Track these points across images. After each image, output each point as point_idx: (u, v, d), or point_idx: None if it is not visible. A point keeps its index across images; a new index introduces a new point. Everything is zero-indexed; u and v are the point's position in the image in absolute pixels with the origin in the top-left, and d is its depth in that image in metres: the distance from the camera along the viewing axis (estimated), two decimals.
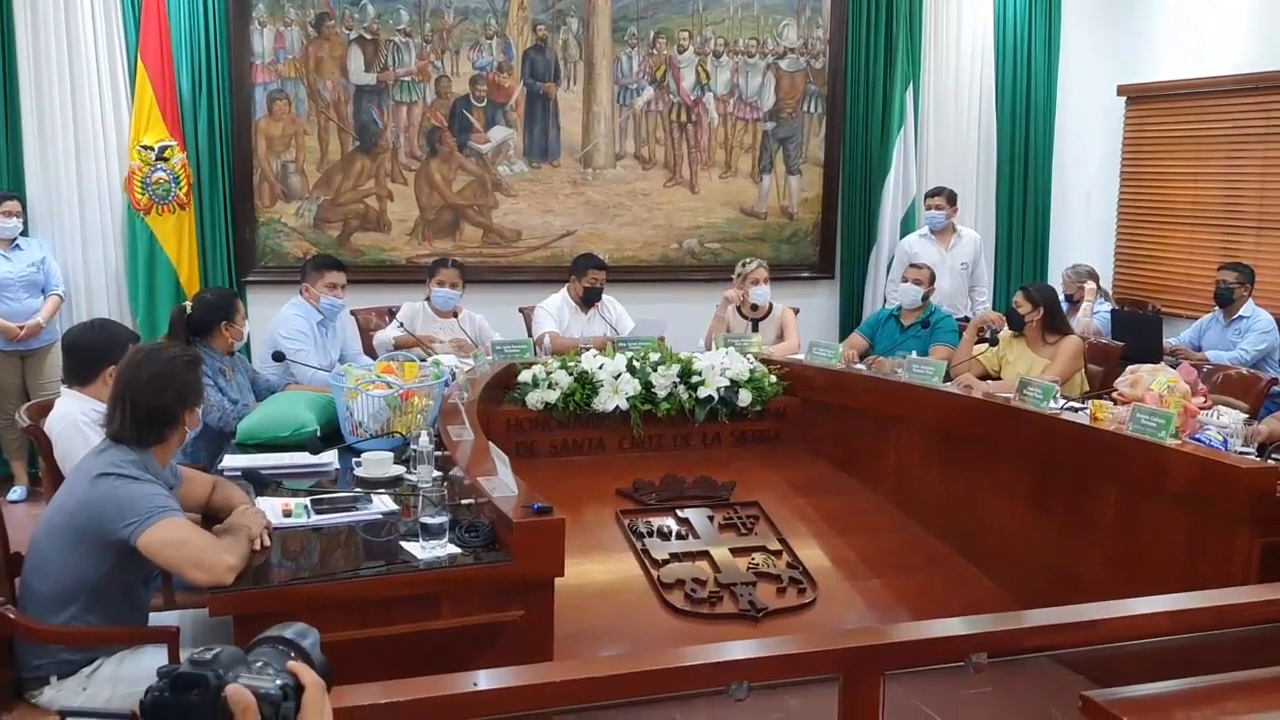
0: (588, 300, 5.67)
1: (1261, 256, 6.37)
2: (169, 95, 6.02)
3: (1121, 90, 7.31)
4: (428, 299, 5.62)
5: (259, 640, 1.17)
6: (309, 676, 1.14)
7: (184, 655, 1.08)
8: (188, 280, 6.07)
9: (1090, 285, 6.58)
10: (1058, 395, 4.28)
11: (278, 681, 1.11)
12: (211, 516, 3.10)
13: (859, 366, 5.27)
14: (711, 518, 4.36)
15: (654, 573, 3.99)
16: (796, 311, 6.20)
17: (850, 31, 7.22)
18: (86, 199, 6.03)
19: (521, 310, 6.15)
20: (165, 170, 6.01)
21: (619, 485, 4.52)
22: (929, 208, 6.65)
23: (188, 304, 4.42)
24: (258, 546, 2.83)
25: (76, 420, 3.37)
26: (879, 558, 4.30)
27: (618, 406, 4.71)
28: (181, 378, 2.87)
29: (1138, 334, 5.91)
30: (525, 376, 4.73)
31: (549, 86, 6.80)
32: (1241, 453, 3.72)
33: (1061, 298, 6.51)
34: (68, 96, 5.94)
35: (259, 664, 1.12)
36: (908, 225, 7.18)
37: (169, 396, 2.82)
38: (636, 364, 4.82)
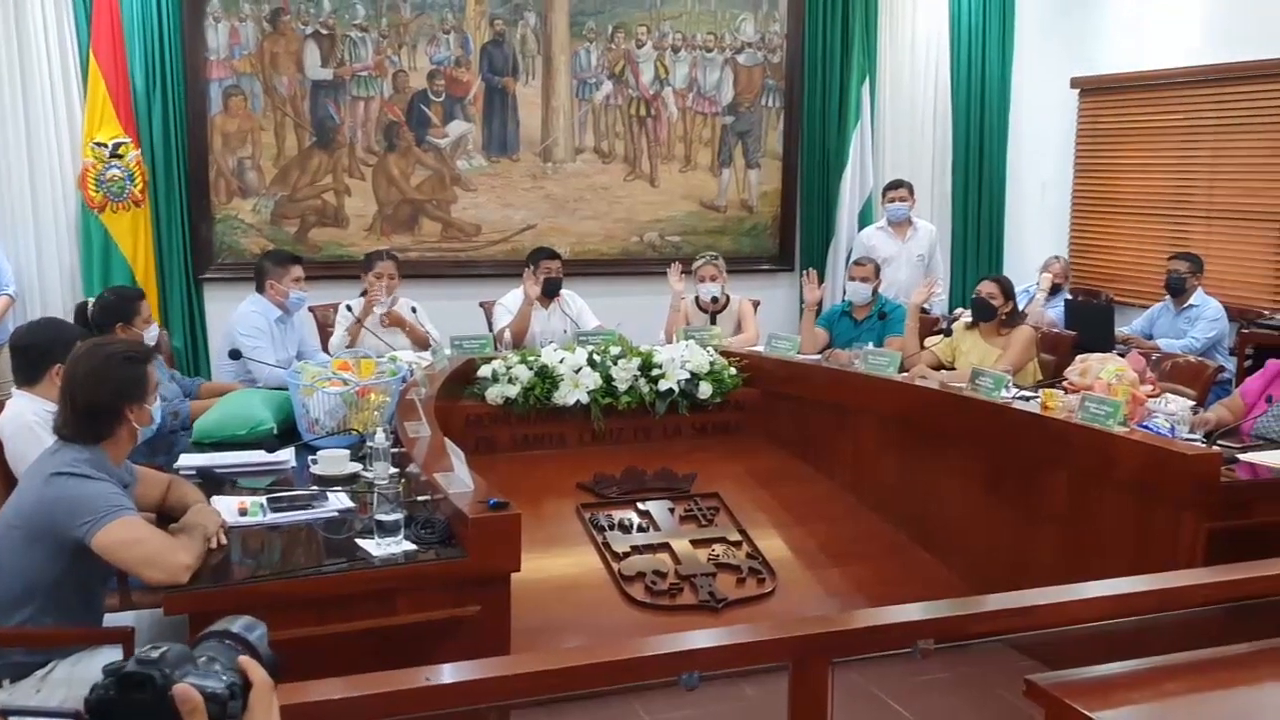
0: (547, 292, 5.67)
1: (1211, 246, 6.48)
2: (122, 91, 5.96)
3: (1075, 82, 7.39)
4: (364, 293, 5.58)
5: (206, 634, 1.16)
6: (257, 674, 1.14)
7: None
8: (144, 278, 6.02)
9: (1046, 275, 6.69)
10: (1009, 384, 4.34)
11: (225, 679, 1.10)
12: (167, 515, 3.09)
13: (815, 357, 5.32)
14: (672, 509, 4.38)
15: (614, 566, 4.01)
16: (756, 304, 6.24)
17: (807, 26, 7.27)
18: (39, 197, 5.97)
19: (482, 305, 6.15)
20: (119, 167, 5.96)
21: (580, 479, 4.54)
22: (891, 200, 6.69)
23: (89, 300, 4.36)
24: (214, 545, 2.82)
25: (28, 421, 3.34)
26: (837, 546, 4.35)
27: (578, 400, 4.72)
28: (120, 372, 2.82)
29: (1090, 323, 5.99)
30: (485, 371, 4.74)
31: (507, 81, 6.80)
32: (1188, 439, 3.79)
33: (1048, 287, 6.60)
34: (18, 93, 5.87)
35: (204, 659, 1.12)
36: (865, 218, 7.24)
37: (106, 391, 2.79)
38: (597, 358, 4.84)
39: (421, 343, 5.48)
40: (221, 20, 6.30)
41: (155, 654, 1.08)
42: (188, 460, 3.66)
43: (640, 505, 4.38)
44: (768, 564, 4.12)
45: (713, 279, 5.87)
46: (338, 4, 6.45)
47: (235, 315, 5.06)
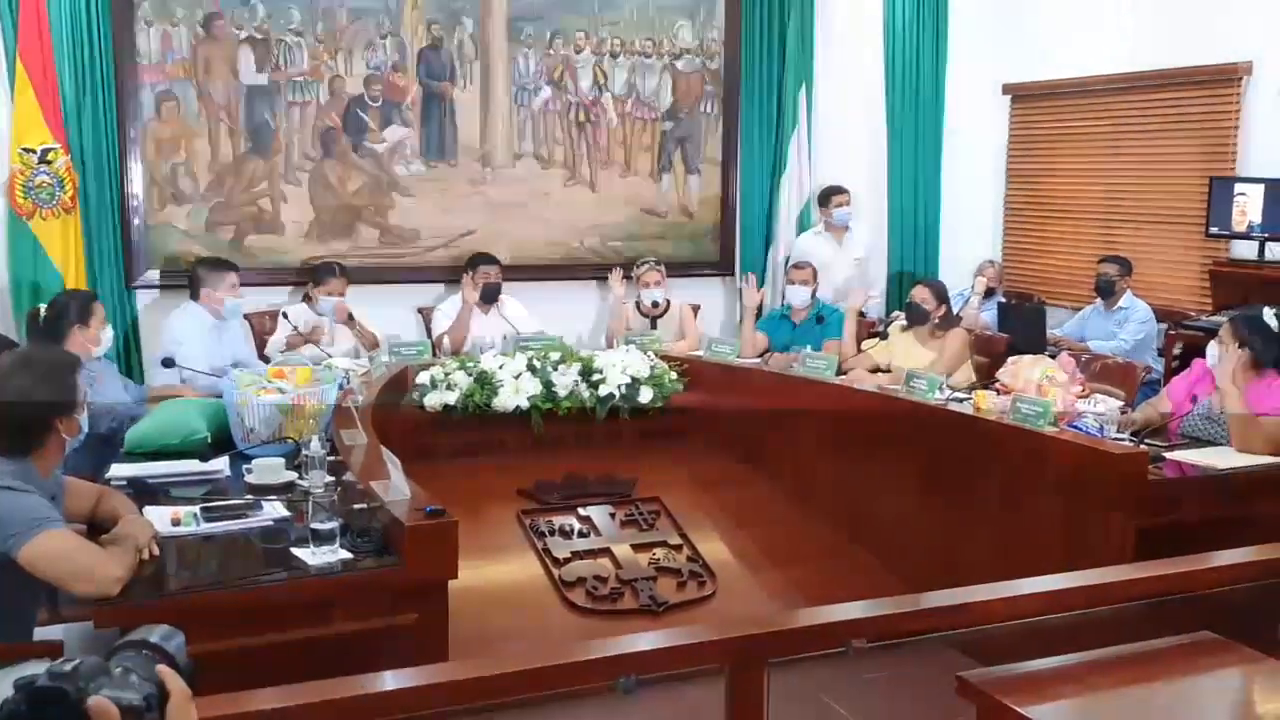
0: (486, 298, 5.65)
1: (1139, 249, 6.61)
2: (51, 96, 5.83)
3: (1007, 89, 7.52)
4: (306, 298, 5.54)
5: (122, 644, 1.14)
6: (174, 684, 1.12)
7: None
8: (74, 285, 5.88)
9: (981, 279, 6.79)
10: (944, 386, 4.41)
11: (141, 691, 1.08)
12: (98, 527, 3.04)
13: (754, 361, 5.37)
14: (613, 515, 4.40)
15: (555, 572, 4.02)
16: (697, 309, 6.27)
17: (744, 33, 7.31)
18: None
19: (420, 311, 6.11)
20: (48, 173, 5.83)
21: (520, 485, 4.54)
22: (839, 205, 6.74)
23: (42, 307, 4.31)
24: (145, 556, 2.78)
25: None
26: (777, 549, 4.39)
27: (518, 406, 4.71)
28: (49, 384, 2.78)
29: (1023, 326, 6.09)
30: (423, 378, 4.72)
31: (445, 86, 6.76)
32: (1117, 439, 3.87)
33: (982, 290, 6.71)
34: None
35: (120, 670, 1.09)
36: (804, 223, 7.29)
37: (35, 403, 2.75)
38: (537, 363, 4.83)
39: (370, 343, 5.42)
40: (153, 25, 6.20)
41: (68, 667, 1.05)
42: (119, 470, 3.60)
43: (581, 510, 4.39)
44: (708, 567, 4.15)
45: (656, 284, 5.90)
46: (272, 9, 6.38)
47: (169, 323, 5.00)
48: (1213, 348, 4.16)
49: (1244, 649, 2.40)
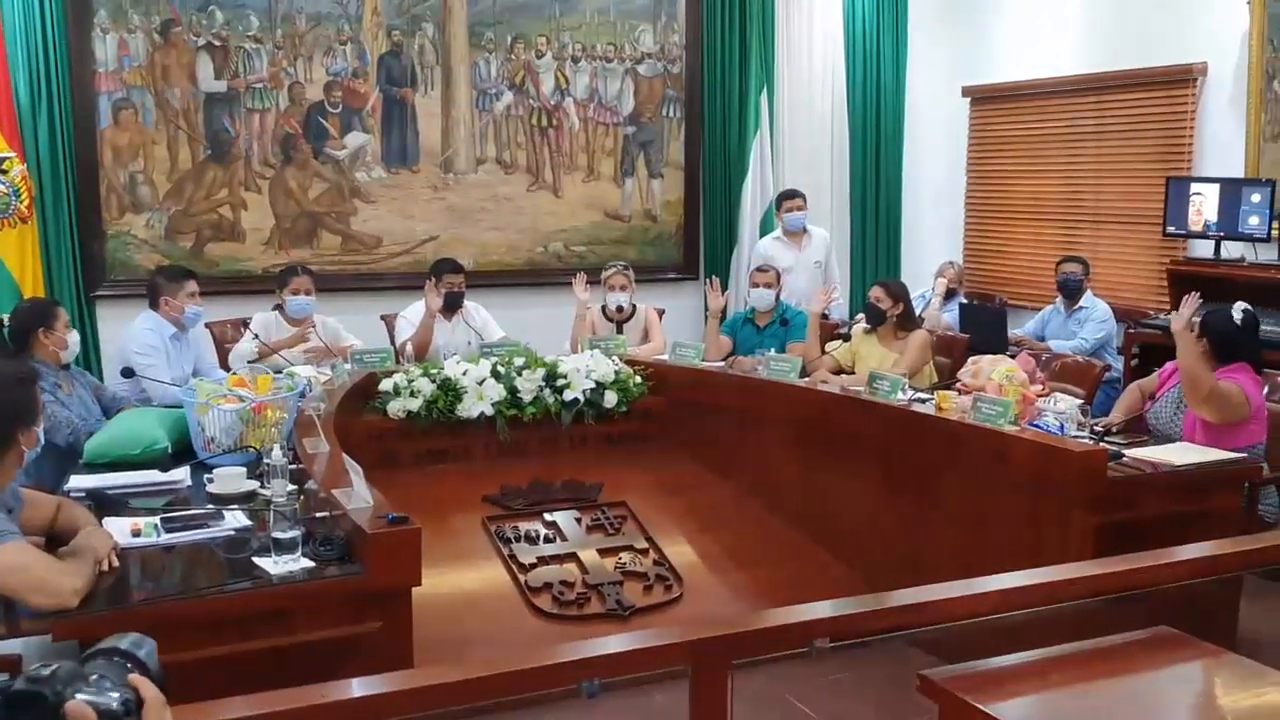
0: (449, 306, 5.63)
1: (1098, 249, 6.69)
2: (5, 105, 5.77)
3: (966, 91, 7.58)
4: (277, 307, 5.51)
5: (94, 652, 1.14)
6: (149, 690, 1.12)
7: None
8: (32, 296, 5.83)
9: (941, 280, 6.85)
10: (906, 387, 4.43)
11: (118, 695, 1.08)
12: (57, 539, 3.00)
13: (719, 364, 5.39)
14: (579, 519, 4.39)
15: (521, 577, 4.01)
16: (662, 313, 6.28)
17: (705, 37, 7.35)
18: None
19: (383, 318, 6.08)
20: (4, 183, 5.75)
21: (485, 492, 4.52)
22: (791, 210, 6.76)
23: (4, 317, 4.27)
24: (105, 568, 2.75)
25: None
26: (743, 551, 4.40)
27: (482, 413, 4.70)
28: (10, 395, 2.75)
29: (984, 326, 6.16)
30: (386, 385, 4.69)
31: (406, 92, 6.75)
32: (1076, 437, 3.91)
33: (943, 291, 6.77)
34: None
35: (95, 677, 1.09)
36: (766, 226, 7.32)
37: None
38: (501, 369, 4.82)
39: (345, 354, 5.36)
40: (110, 32, 6.15)
41: (45, 671, 1.05)
42: (78, 482, 3.56)
43: (547, 516, 4.38)
44: (675, 571, 4.15)
45: (622, 289, 5.90)
46: (230, 15, 6.34)
47: (129, 333, 4.94)
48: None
49: (1202, 643, 2.43)
